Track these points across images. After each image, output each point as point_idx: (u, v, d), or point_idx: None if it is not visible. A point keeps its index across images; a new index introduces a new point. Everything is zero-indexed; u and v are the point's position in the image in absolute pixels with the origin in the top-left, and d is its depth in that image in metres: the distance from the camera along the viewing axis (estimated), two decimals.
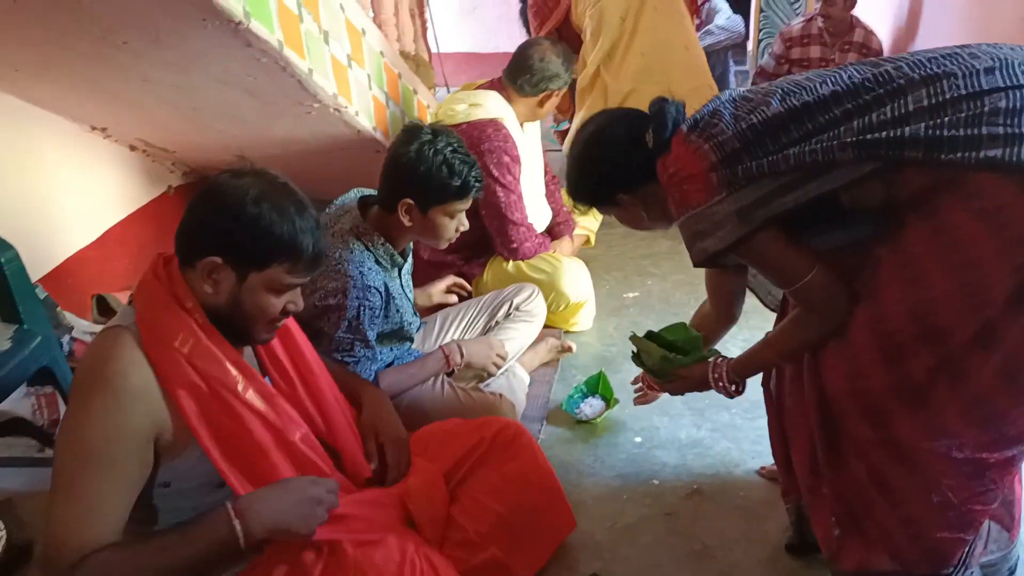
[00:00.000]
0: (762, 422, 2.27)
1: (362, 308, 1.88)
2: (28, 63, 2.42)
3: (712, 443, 2.22)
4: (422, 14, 3.83)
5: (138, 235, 3.30)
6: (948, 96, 1.27)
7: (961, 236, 1.27)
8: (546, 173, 3.06)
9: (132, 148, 3.24)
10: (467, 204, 1.97)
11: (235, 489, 1.31)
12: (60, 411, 2.27)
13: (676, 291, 3.06)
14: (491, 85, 2.87)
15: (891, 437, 1.41)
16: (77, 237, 2.98)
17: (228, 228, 1.30)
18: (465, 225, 2.02)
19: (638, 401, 2.10)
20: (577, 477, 2.12)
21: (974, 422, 1.34)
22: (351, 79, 2.74)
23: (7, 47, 2.28)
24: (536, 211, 2.85)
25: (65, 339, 2.40)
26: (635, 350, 1.82)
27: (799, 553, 1.83)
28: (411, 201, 1.91)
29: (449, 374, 2.17)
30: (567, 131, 4.90)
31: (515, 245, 2.65)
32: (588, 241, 3.28)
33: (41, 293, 2.37)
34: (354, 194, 2.05)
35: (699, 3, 4.26)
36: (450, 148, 1.91)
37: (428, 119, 3.31)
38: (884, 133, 1.29)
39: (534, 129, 3.02)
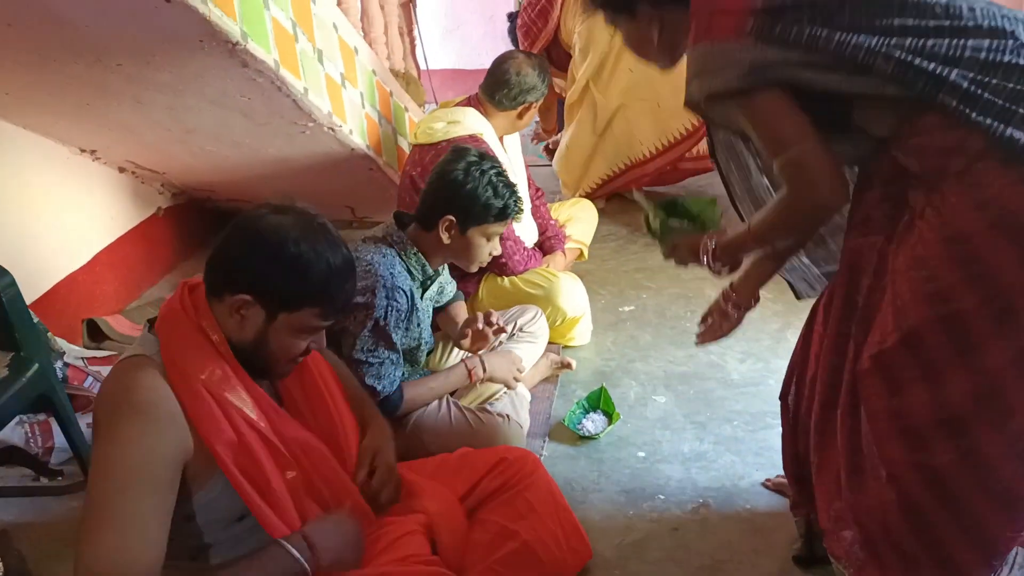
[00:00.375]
0: (764, 434, 2.29)
1: (390, 308, 1.91)
2: (18, 86, 2.40)
3: (716, 456, 2.22)
4: (411, 32, 3.85)
5: (127, 258, 3.27)
6: (1006, 60, 1.23)
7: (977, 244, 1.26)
8: (530, 187, 3.06)
9: (121, 170, 3.21)
10: (503, 228, 2.05)
11: (266, 523, 1.29)
12: (54, 439, 2.23)
13: (672, 304, 3.07)
14: (468, 101, 2.87)
15: (928, 463, 1.37)
16: (66, 261, 2.94)
17: (264, 268, 1.29)
18: (497, 250, 2.10)
19: (703, 338, 1.93)
20: (582, 494, 2.11)
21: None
22: (345, 98, 2.74)
23: None
24: (521, 225, 2.84)
25: (58, 364, 2.36)
26: (645, 212, 1.74)
27: (808, 565, 1.83)
28: (452, 218, 1.97)
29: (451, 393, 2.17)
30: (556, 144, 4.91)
31: (504, 260, 2.64)
32: (581, 255, 3.28)
33: (32, 319, 2.33)
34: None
35: None
36: (495, 171, 2.00)
37: (409, 138, 3.31)
38: (931, 66, 1.24)
39: (514, 143, 3.02)
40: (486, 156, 2.04)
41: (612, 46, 3.69)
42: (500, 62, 2.80)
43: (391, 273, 1.93)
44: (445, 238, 1.99)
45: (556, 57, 4.07)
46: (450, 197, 1.97)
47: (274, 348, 1.34)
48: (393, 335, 1.93)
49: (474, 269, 2.10)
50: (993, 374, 1.30)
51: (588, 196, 3.80)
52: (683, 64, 3.27)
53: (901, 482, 1.40)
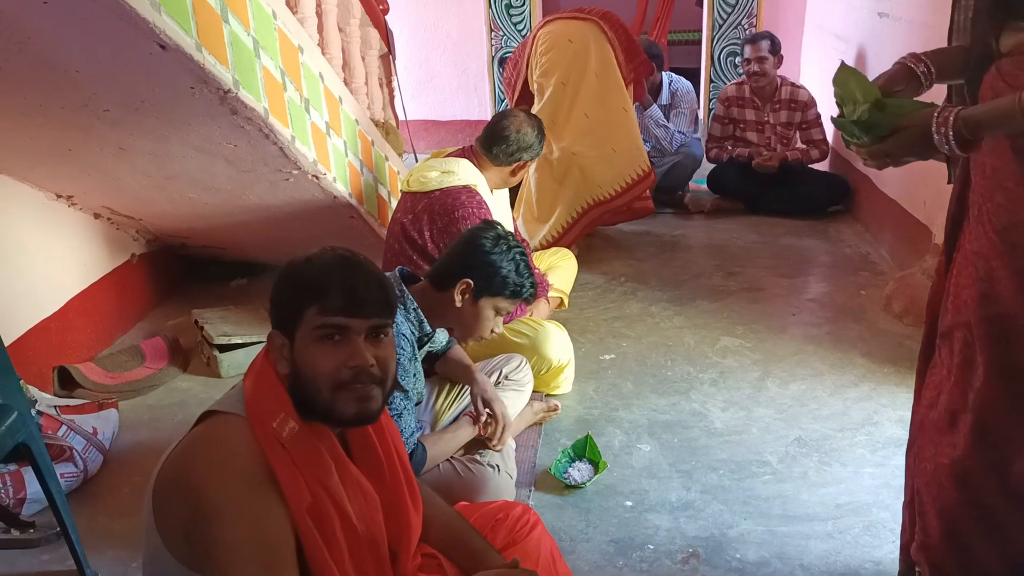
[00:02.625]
0: (750, 483, 2.30)
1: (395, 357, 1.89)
2: (0, 131, 2.37)
3: (703, 505, 2.22)
4: (389, 83, 3.88)
5: (100, 305, 3.21)
6: None
7: None
8: (515, 237, 3.09)
9: (96, 216, 3.17)
10: (511, 308, 2.10)
11: None
12: (27, 490, 2.16)
13: (652, 352, 3.09)
14: (462, 152, 2.91)
15: None
16: (38, 307, 2.88)
17: (273, 295, 1.29)
18: (499, 330, 2.14)
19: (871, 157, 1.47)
20: (571, 544, 2.09)
21: None
22: (329, 146, 2.75)
23: None
24: None
25: (31, 413, 2.29)
26: (837, 99, 1.43)
27: None
28: (470, 282, 2.01)
29: None
30: None
31: None
32: (562, 303, 3.30)
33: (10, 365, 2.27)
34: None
35: (647, 76, 4.38)
36: (520, 252, 2.08)
37: (399, 185, 3.33)
38: None
39: (502, 195, 3.06)
40: (512, 236, 2.11)
41: (565, 94, 3.79)
42: (500, 118, 2.84)
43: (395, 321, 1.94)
44: (458, 301, 2.02)
45: (528, 106, 4.13)
46: (474, 262, 2.03)
47: (306, 371, 1.25)
48: (403, 383, 1.93)
49: (470, 342, 2.12)
50: None
51: (553, 243, 3.85)
52: (630, 108, 3.17)
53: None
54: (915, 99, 1.46)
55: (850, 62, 1.93)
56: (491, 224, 2.11)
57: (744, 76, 4.64)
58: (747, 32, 5.54)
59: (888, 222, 3.91)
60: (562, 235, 3.90)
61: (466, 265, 2.03)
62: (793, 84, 4.63)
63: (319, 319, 1.25)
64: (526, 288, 2.07)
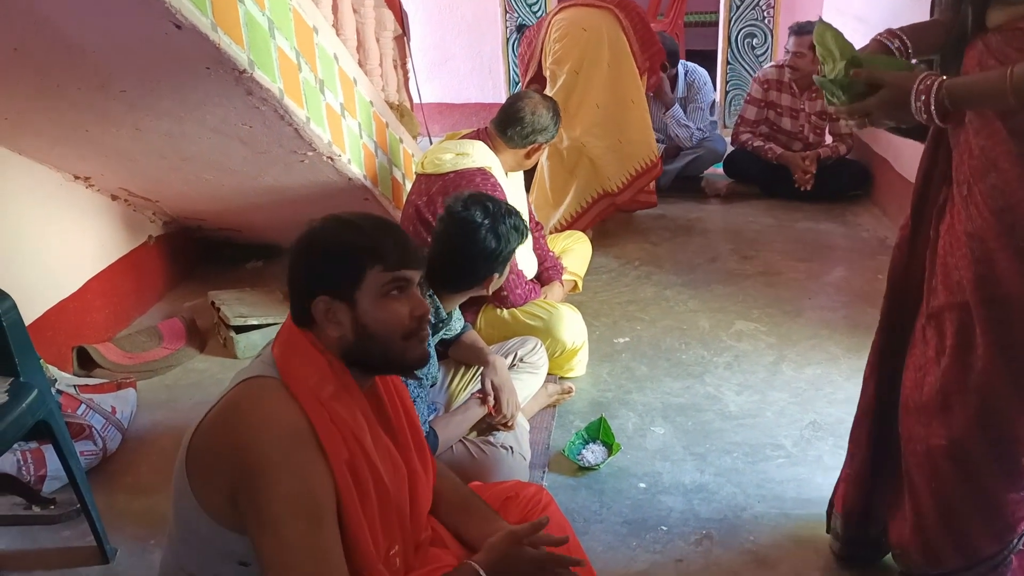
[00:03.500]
0: (764, 466, 2.30)
1: None
2: (18, 111, 2.39)
3: (717, 488, 2.22)
4: (404, 65, 3.87)
5: (118, 286, 3.24)
6: None
7: None
8: (530, 220, 3.08)
9: (114, 198, 3.19)
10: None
11: (363, 551, 1.25)
12: (47, 467, 2.19)
13: (666, 336, 3.08)
14: (477, 135, 2.89)
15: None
16: (57, 288, 2.91)
17: (312, 264, 1.31)
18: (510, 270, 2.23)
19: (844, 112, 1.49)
20: (584, 524, 2.10)
21: None
22: (344, 128, 2.75)
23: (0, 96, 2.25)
24: (524, 259, 2.86)
25: (51, 391, 2.32)
26: (819, 56, 1.41)
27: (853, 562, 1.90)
28: (492, 276, 2.18)
29: None
30: None
31: (505, 293, 2.64)
32: (576, 287, 3.29)
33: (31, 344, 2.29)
34: None
35: (663, 71, 4.33)
36: (501, 217, 2.17)
37: (413, 167, 3.32)
38: None
39: (517, 177, 3.05)
40: (501, 206, 2.19)
41: (577, 82, 3.75)
42: (515, 99, 2.81)
43: None
44: (488, 291, 2.19)
45: (540, 87, 4.08)
46: (465, 243, 2.11)
47: (376, 328, 1.31)
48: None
49: (489, 291, 2.22)
50: None
51: (565, 228, 3.84)
52: (641, 100, 3.17)
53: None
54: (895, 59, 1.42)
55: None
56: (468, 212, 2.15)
57: (784, 60, 4.56)
58: (766, 14, 5.47)
59: (907, 206, 3.85)
60: (573, 222, 3.90)
61: (462, 244, 2.11)
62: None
63: (386, 276, 1.31)
64: (522, 232, 2.18)
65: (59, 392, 2.37)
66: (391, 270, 1.31)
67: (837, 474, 2.23)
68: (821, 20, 1.44)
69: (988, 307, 1.42)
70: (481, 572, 1.29)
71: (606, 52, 3.78)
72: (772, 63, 4.77)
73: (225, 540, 1.23)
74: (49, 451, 2.18)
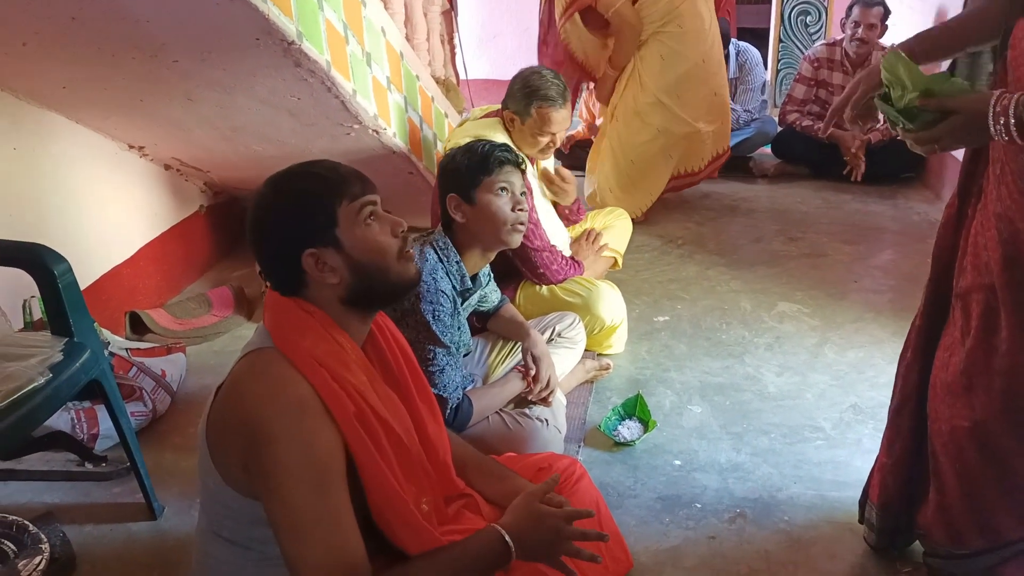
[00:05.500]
0: (802, 447, 2.29)
1: (435, 311, 1.95)
2: (75, 81, 2.45)
3: (753, 467, 2.22)
4: (451, 40, 3.88)
5: (169, 254, 3.32)
6: None
7: None
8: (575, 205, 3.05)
9: (167, 167, 3.27)
10: (502, 176, 2.06)
11: (393, 503, 1.27)
12: (99, 426, 2.27)
13: (706, 316, 3.07)
14: (497, 113, 2.82)
15: None
16: (111, 254, 3.00)
17: (282, 226, 1.30)
18: (523, 206, 2.08)
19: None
20: (618, 499, 2.11)
21: None
22: (390, 101, 2.77)
23: (57, 64, 2.31)
24: (554, 233, 2.82)
25: (104, 353, 2.40)
26: (885, 83, 1.36)
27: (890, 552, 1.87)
28: (456, 196, 2.05)
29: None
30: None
31: (542, 270, 2.64)
32: (615, 264, 3.28)
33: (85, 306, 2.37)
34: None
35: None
36: (469, 140, 2.13)
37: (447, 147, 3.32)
38: None
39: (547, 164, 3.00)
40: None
41: (700, 69, 3.74)
42: (517, 74, 2.73)
43: (433, 278, 1.98)
44: (459, 217, 2.05)
45: (591, 19, 3.85)
46: (444, 183, 2.10)
47: (372, 258, 1.32)
48: (442, 336, 1.96)
49: (512, 237, 2.08)
50: None
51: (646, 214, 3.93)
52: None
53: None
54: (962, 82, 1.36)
55: (930, 24, 1.91)
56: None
57: (836, 38, 4.46)
58: None
59: None
60: (651, 208, 3.98)
61: (443, 189, 2.09)
62: (884, 51, 4.42)
63: (355, 205, 1.31)
64: (492, 153, 2.06)
65: (111, 355, 2.46)
66: (357, 198, 1.31)
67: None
68: (895, 49, 1.39)
69: (1014, 289, 1.39)
70: (504, 534, 1.31)
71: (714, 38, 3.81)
72: (823, 41, 4.67)
73: (251, 507, 1.27)
74: (101, 411, 2.26)
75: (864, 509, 1.90)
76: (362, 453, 1.25)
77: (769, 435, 2.35)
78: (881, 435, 1.82)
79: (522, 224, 2.09)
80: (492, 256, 2.17)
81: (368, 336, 1.42)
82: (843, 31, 4.39)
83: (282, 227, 1.30)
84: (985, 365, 1.47)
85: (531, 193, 2.63)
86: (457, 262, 2.06)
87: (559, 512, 1.35)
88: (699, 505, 2.08)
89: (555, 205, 2.98)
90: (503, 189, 2.05)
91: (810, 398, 2.52)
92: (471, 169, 2.04)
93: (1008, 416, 1.47)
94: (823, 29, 5.47)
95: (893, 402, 1.79)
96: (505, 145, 2.13)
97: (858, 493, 1.96)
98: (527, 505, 1.36)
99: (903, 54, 1.34)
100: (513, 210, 2.06)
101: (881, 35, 4.33)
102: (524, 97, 2.63)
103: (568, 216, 3.01)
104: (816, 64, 4.51)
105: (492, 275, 2.32)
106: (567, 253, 2.86)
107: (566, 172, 2.92)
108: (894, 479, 1.78)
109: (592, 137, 4.68)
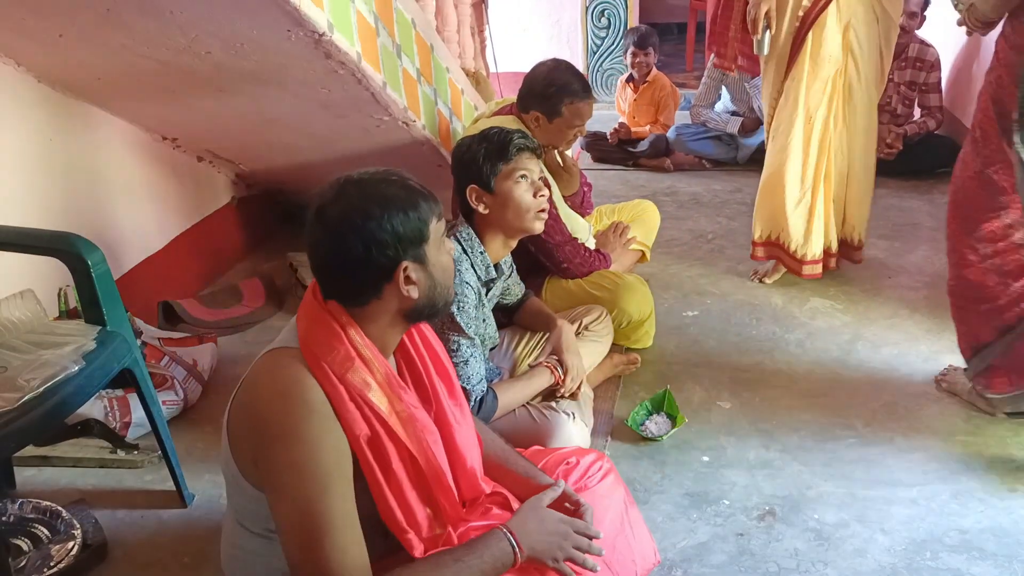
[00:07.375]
0: (832, 445, 2.26)
1: (461, 304, 1.95)
2: (110, 72, 2.48)
3: (782, 464, 2.19)
4: (481, 32, 3.87)
5: (202, 246, 3.36)
6: None
7: None
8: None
9: (200, 159, 3.30)
10: (521, 164, 2.04)
11: (393, 523, 1.29)
12: (132, 415, 2.30)
13: (736, 311, 3.03)
14: (510, 110, 2.76)
15: None
16: (145, 244, 3.04)
17: (385, 237, 1.26)
18: (543, 191, 2.08)
19: None
20: (645, 494, 2.10)
21: None
22: (420, 93, 2.77)
23: (93, 56, 2.34)
24: (574, 226, 2.77)
25: (136, 342, 2.43)
26: None
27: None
28: (476, 187, 2.04)
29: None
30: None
31: (565, 264, 2.62)
32: (644, 257, 3.25)
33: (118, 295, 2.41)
34: None
35: None
36: (485, 129, 2.09)
37: None
38: None
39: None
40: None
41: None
42: (530, 70, 2.66)
43: (458, 270, 1.98)
44: (482, 208, 2.04)
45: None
46: (461, 173, 2.07)
47: (443, 278, 1.35)
48: (467, 328, 1.96)
49: (535, 224, 2.07)
50: None
51: None
52: None
53: None
54: None
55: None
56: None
57: None
58: None
59: None
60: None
61: (461, 178, 2.07)
62: (922, 42, 4.31)
63: (441, 225, 1.36)
64: (510, 139, 2.03)
65: (144, 344, 2.49)
66: (442, 219, 1.35)
67: (910, 456, 2.19)
68: None
69: None
70: (508, 535, 1.32)
71: None
72: None
73: (265, 500, 1.28)
74: (134, 399, 2.29)
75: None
76: (369, 476, 1.27)
77: (799, 432, 2.32)
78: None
79: (544, 210, 2.08)
80: (514, 244, 2.16)
81: (400, 343, 1.42)
82: None
83: (388, 235, 1.26)
84: None
85: (547, 185, 2.58)
86: (481, 252, 2.06)
87: (567, 519, 1.39)
88: (727, 502, 2.06)
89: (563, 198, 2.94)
90: (523, 176, 2.05)
91: (842, 396, 2.48)
92: (489, 157, 2.03)
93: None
94: None
95: None
96: (521, 132, 2.11)
97: (890, 492, 1.93)
98: (532, 508, 1.39)
99: None
100: (535, 196, 2.06)
101: (919, 26, 4.25)
102: (553, 95, 2.55)
103: (576, 208, 2.95)
104: None
105: (515, 267, 2.32)
106: (590, 245, 2.80)
107: (569, 158, 2.86)
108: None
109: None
